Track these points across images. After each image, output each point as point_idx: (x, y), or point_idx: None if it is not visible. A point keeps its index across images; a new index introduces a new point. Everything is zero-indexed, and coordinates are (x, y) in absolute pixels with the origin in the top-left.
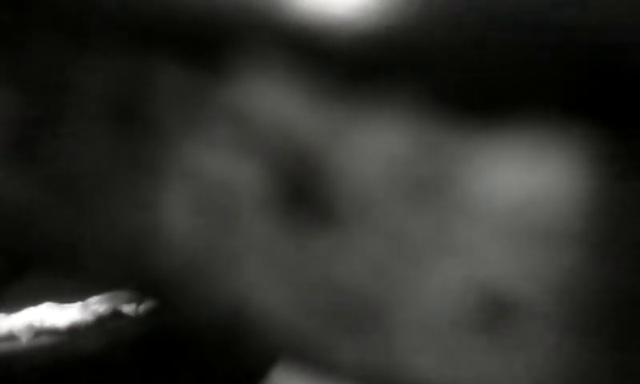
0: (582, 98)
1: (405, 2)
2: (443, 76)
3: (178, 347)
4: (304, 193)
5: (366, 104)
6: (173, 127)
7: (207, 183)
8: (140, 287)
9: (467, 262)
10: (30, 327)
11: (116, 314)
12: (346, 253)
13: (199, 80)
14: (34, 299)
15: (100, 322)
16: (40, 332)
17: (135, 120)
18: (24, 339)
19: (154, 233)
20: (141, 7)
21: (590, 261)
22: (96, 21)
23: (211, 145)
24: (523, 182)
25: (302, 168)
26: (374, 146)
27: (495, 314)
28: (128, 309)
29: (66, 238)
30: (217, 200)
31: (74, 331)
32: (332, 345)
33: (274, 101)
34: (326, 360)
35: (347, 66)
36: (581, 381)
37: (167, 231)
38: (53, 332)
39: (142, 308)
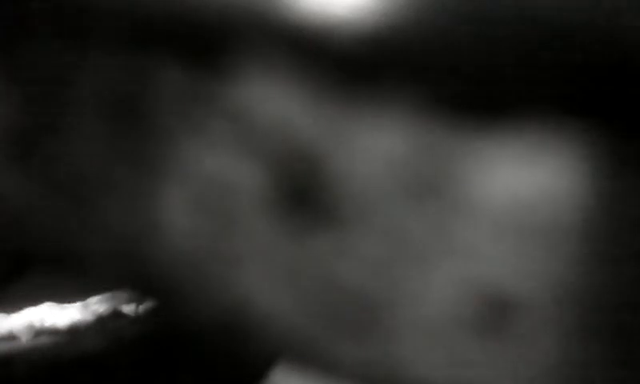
0: (581, 98)
1: (405, 2)
2: (443, 76)
3: (178, 347)
4: (304, 193)
5: (366, 104)
6: (173, 127)
7: (207, 183)
8: (140, 287)
9: (467, 262)
10: (30, 327)
11: (116, 314)
12: (347, 253)
13: (199, 80)
14: (34, 299)
15: (100, 321)
16: (40, 332)
17: (135, 120)
18: (24, 339)
19: (155, 233)
20: (141, 7)
21: (589, 260)
22: (96, 21)
23: (211, 145)
24: (523, 181)
25: (303, 168)
26: (374, 146)
27: (495, 313)
28: (128, 309)
29: (66, 237)
30: (217, 200)
31: (74, 331)
32: (332, 345)
33: (275, 101)
34: (327, 360)
35: (348, 66)
36: (580, 381)
37: (167, 231)
38: (53, 332)
39: (142, 308)
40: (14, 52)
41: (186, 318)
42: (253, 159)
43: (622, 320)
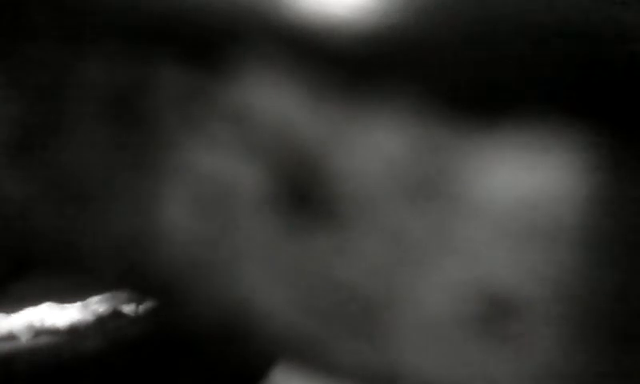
0: (581, 98)
1: (404, 2)
2: (443, 76)
3: (178, 347)
4: (304, 193)
5: (366, 104)
6: (173, 127)
7: (208, 183)
8: (140, 287)
9: (467, 262)
10: (30, 327)
11: (116, 314)
12: (347, 253)
13: (200, 80)
14: (34, 299)
15: (100, 321)
16: (40, 332)
17: (135, 120)
18: (24, 339)
19: (155, 233)
20: (141, 8)
21: (589, 260)
22: (96, 21)
23: (212, 145)
24: (523, 182)
25: (303, 168)
26: (374, 146)
27: (495, 313)
28: (128, 309)
29: (66, 237)
30: (217, 200)
31: (73, 331)
32: (332, 345)
33: (275, 101)
34: (326, 360)
35: (348, 66)
36: (580, 380)
37: (168, 231)
38: (53, 332)
39: (142, 308)
40: (14, 52)
41: (185, 318)
42: (253, 159)
43: (621, 320)
